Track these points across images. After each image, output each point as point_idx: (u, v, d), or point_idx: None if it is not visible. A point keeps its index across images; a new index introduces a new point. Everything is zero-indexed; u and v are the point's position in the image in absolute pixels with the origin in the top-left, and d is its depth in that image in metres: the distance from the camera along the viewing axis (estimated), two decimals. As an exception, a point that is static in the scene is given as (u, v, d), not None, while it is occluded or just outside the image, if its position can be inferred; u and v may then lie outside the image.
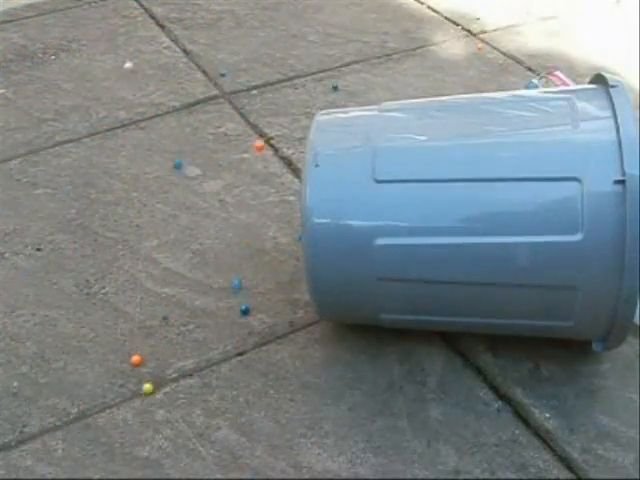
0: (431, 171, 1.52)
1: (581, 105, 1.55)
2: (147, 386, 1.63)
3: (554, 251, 1.45)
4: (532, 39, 2.82)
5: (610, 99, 1.51)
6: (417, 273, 1.52)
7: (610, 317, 1.48)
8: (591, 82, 1.65)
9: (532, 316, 1.56)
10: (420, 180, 1.51)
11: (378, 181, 1.51)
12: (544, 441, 1.54)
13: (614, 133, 1.45)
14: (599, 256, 1.43)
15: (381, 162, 1.52)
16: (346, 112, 1.85)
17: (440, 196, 1.50)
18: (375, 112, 1.69)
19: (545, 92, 1.93)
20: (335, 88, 2.58)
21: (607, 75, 1.57)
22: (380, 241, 1.50)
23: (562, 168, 1.45)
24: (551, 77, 2.26)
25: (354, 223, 1.53)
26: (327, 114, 1.73)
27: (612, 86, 1.53)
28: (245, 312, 1.79)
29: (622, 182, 1.39)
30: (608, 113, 1.49)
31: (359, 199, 1.52)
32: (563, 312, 1.52)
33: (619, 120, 1.46)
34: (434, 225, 1.50)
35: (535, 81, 2.32)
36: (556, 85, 2.23)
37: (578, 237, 1.42)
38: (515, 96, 1.76)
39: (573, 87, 1.70)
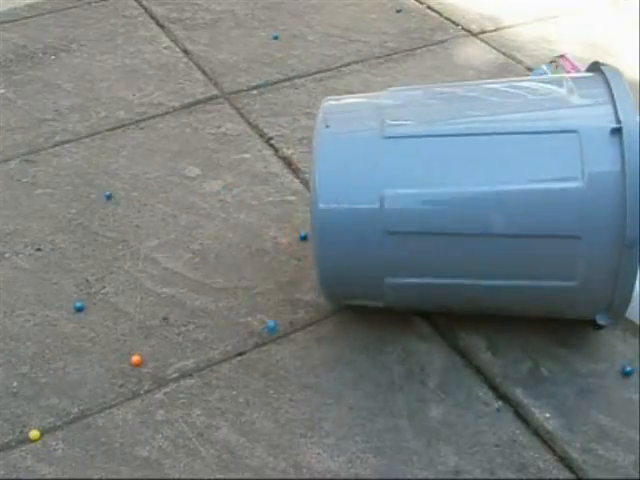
0: (437, 129, 1.59)
1: (575, 81, 1.66)
2: (34, 432, 1.56)
3: (557, 198, 1.49)
4: (532, 39, 2.82)
5: (603, 75, 1.59)
6: (424, 224, 1.55)
7: (613, 272, 1.49)
8: (587, 70, 1.72)
9: (534, 275, 1.56)
10: (427, 135, 1.58)
11: (387, 137, 1.56)
12: (544, 441, 1.54)
13: (607, 93, 1.54)
14: (601, 203, 1.47)
15: (389, 121, 1.59)
16: (352, 96, 1.93)
17: (446, 148, 1.56)
18: (381, 93, 1.78)
19: (541, 79, 2.05)
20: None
21: (602, 63, 1.65)
22: (389, 192, 1.53)
23: (560, 124, 1.54)
24: (562, 61, 2.28)
25: (363, 176, 1.56)
26: (333, 98, 1.79)
27: (605, 65, 1.62)
28: None
29: (619, 130, 1.46)
30: (602, 84, 1.58)
31: (368, 154, 1.57)
32: (566, 268, 1.53)
33: (612, 84, 1.55)
34: (439, 175, 1.54)
35: (544, 67, 2.33)
36: (566, 70, 2.25)
37: (579, 184, 1.47)
38: (512, 80, 1.88)
39: (569, 74, 1.80)
